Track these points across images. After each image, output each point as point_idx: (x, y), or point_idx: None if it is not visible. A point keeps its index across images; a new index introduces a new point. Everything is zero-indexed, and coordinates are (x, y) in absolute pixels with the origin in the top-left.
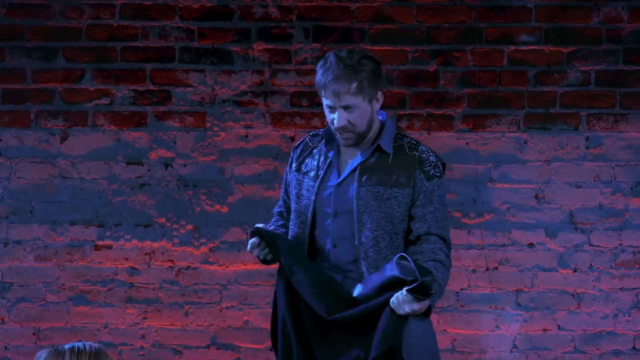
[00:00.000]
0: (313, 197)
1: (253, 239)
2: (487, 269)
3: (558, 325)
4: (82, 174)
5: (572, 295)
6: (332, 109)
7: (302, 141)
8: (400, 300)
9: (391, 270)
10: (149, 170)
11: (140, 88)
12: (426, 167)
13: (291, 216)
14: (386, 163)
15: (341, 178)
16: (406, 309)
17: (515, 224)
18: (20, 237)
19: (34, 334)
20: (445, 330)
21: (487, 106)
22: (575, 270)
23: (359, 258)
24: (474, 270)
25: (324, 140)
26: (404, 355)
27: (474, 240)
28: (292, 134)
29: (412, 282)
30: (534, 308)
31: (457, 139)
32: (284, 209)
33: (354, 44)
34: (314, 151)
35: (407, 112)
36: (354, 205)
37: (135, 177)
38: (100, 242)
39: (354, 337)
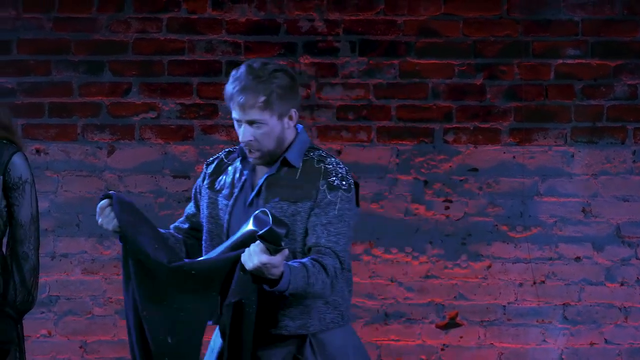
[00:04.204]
0: (227, 217)
1: (102, 202)
2: (534, 283)
3: (605, 339)
4: (128, 187)
5: (619, 309)
6: (239, 123)
7: (216, 157)
8: (250, 251)
9: (247, 225)
10: None
11: (186, 102)
12: (331, 177)
13: (204, 237)
14: (293, 177)
15: (251, 197)
16: (255, 260)
17: (562, 238)
18: (67, 251)
19: (80, 347)
20: (492, 344)
21: (534, 120)
22: (622, 284)
23: None
24: (521, 284)
25: (239, 158)
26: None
27: (520, 254)
28: (338, 147)
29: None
30: (581, 322)
31: (504, 152)
32: (182, 224)
33: (400, 58)
34: (229, 168)
35: (454, 125)
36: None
37: (182, 191)
38: None
39: (197, 297)
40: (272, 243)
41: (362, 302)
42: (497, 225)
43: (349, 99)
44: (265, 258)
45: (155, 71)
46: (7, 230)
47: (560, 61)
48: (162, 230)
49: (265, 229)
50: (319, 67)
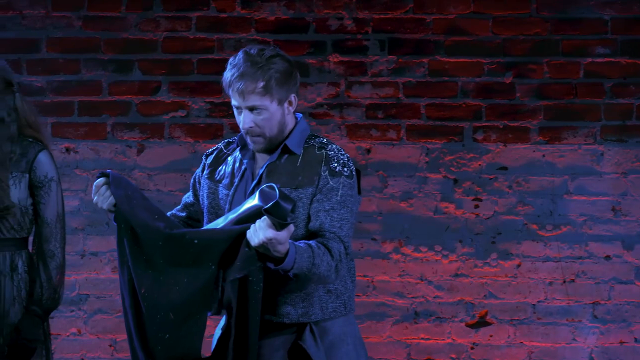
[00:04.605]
0: (227, 207)
1: (98, 180)
2: (564, 282)
3: (635, 338)
4: (158, 185)
5: None
6: (239, 110)
7: (216, 148)
8: (256, 227)
9: (253, 199)
10: None
11: (216, 100)
12: (332, 163)
13: (204, 227)
14: (294, 164)
15: (252, 186)
16: (260, 235)
17: (591, 237)
18: (97, 249)
19: (110, 346)
20: (522, 343)
21: (563, 118)
22: None
23: None
24: (550, 283)
25: (238, 147)
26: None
27: (550, 253)
28: (367, 146)
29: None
30: (611, 320)
31: (534, 151)
32: (179, 212)
33: (429, 56)
34: (229, 158)
35: (483, 124)
36: None
37: None
38: None
39: (194, 270)
40: (278, 217)
41: (391, 300)
42: (526, 223)
43: (378, 97)
44: (270, 233)
45: (185, 70)
46: (34, 228)
47: (590, 60)
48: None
49: (271, 203)
50: (348, 66)
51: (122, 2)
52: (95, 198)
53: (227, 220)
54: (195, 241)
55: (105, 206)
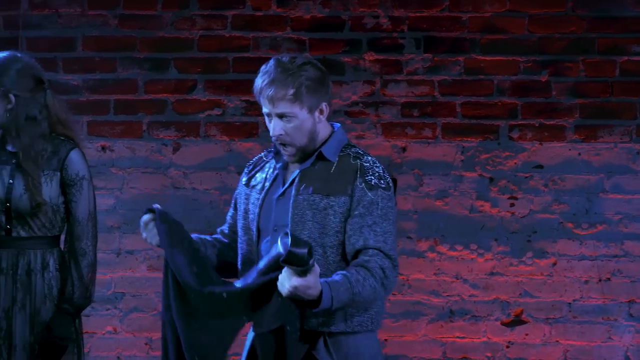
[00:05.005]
0: (257, 211)
1: (145, 216)
2: (600, 280)
3: None
4: (194, 184)
5: None
6: (270, 117)
7: (258, 157)
8: (281, 277)
9: (276, 248)
10: None
11: (251, 99)
12: (368, 175)
13: (239, 234)
14: (328, 171)
15: (282, 189)
16: (286, 285)
17: (628, 235)
18: (133, 247)
19: (146, 344)
20: (557, 341)
21: (599, 117)
22: None
23: None
24: (586, 282)
25: (273, 153)
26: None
27: (586, 251)
28: (403, 145)
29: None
30: None
31: (570, 149)
32: (225, 228)
33: (464, 55)
34: (266, 166)
35: (519, 122)
36: (289, 217)
37: None
38: None
39: (223, 320)
40: (296, 265)
41: (427, 299)
42: (562, 222)
43: (413, 95)
44: (295, 281)
45: (220, 68)
46: (66, 227)
47: (626, 58)
48: (208, 238)
49: (285, 253)
50: (384, 64)
51: (158, 1)
52: (144, 234)
53: (255, 273)
54: (224, 295)
55: (154, 243)
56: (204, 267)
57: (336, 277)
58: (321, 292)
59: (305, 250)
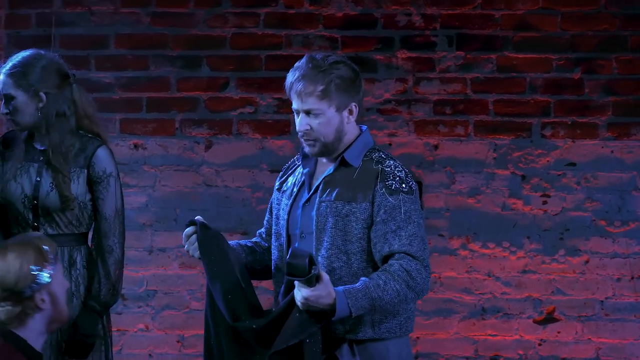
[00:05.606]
0: (285, 216)
1: (187, 229)
2: (632, 278)
3: None
4: (226, 182)
5: None
6: (297, 113)
7: (291, 160)
8: (294, 292)
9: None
10: None
11: (283, 97)
12: (388, 180)
13: (272, 239)
14: (350, 177)
15: (307, 195)
16: (299, 297)
17: None
18: (165, 245)
19: (178, 342)
20: (589, 339)
21: (632, 114)
22: None
23: None
24: (618, 279)
25: (301, 156)
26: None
27: (618, 249)
28: (435, 142)
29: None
30: None
31: (602, 147)
32: (263, 232)
33: (497, 52)
34: (297, 170)
35: (552, 120)
36: (314, 224)
37: None
38: None
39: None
40: (299, 276)
41: (459, 297)
42: (595, 220)
43: (446, 93)
44: (305, 292)
45: (253, 66)
46: (93, 224)
47: None
48: (248, 244)
49: (287, 267)
50: (416, 62)
51: None
52: (186, 247)
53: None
54: (254, 326)
55: (196, 255)
56: (239, 295)
57: (358, 284)
58: (335, 300)
59: (304, 260)
